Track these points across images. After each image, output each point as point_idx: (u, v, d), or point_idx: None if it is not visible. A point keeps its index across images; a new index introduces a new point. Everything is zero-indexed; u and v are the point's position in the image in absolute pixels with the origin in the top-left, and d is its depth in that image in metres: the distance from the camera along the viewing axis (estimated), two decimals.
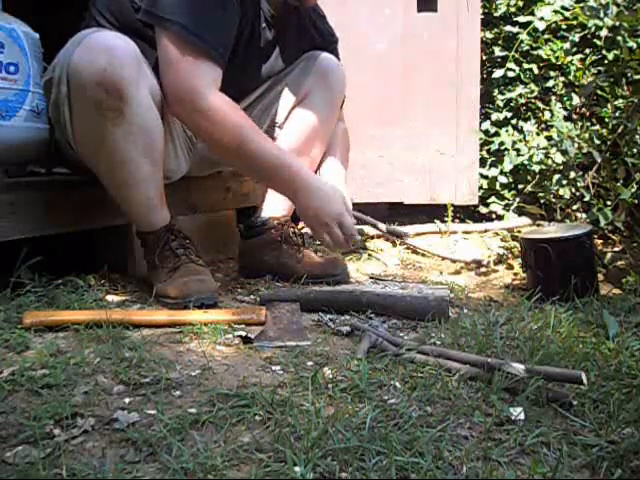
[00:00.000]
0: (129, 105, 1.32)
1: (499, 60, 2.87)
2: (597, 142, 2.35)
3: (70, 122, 1.38)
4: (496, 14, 2.90)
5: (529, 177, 2.64)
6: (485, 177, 2.80)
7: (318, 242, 2.33)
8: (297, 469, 0.73)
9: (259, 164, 1.43)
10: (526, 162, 2.63)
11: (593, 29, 2.57)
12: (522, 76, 2.80)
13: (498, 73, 2.73)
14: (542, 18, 2.59)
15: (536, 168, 2.59)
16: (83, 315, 1.22)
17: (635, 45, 2.41)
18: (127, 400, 0.92)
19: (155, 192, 1.45)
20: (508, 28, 2.79)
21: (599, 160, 2.27)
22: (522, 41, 2.73)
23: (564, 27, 2.74)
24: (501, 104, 2.86)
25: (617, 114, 2.46)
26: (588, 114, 2.71)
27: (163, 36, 1.35)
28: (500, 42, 2.90)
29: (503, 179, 2.76)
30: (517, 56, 2.75)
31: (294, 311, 1.35)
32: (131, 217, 1.49)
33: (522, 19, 2.69)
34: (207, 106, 1.36)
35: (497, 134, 2.81)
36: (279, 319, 1.30)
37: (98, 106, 1.30)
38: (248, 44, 1.55)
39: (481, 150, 2.76)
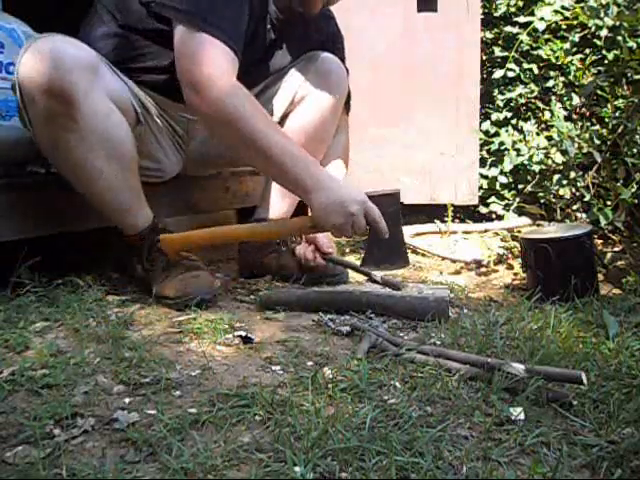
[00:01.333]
0: (80, 111, 1.29)
1: (499, 60, 2.87)
2: (597, 142, 2.35)
3: (31, 127, 1.36)
4: (496, 14, 2.90)
5: (529, 177, 2.64)
6: (485, 177, 2.80)
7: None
8: (297, 469, 0.73)
9: (274, 159, 1.35)
10: (526, 162, 2.63)
11: (593, 29, 2.57)
12: (522, 76, 2.80)
13: (498, 73, 2.73)
14: (542, 18, 2.59)
15: (536, 168, 2.59)
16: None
17: (635, 45, 2.41)
18: (127, 400, 0.92)
19: (129, 196, 1.44)
20: (508, 28, 2.79)
21: (599, 160, 2.27)
22: (522, 41, 2.73)
23: (564, 27, 2.74)
24: (501, 104, 2.86)
25: (617, 114, 2.46)
26: (588, 114, 2.71)
27: (179, 27, 1.33)
28: (500, 42, 2.90)
29: (503, 179, 2.76)
30: (517, 56, 2.75)
31: (394, 217, 1.37)
32: (110, 221, 1.49)
33: (522, 19, 2.69)
34: (226, 93, 1.31)
35: (497, 134, 2.81)
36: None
37: (48, 113, 1.28)
38: (250, 44, 1.55)
39: (481, 150, 2.76)
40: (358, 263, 1.56)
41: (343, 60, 1.81)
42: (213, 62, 1.32)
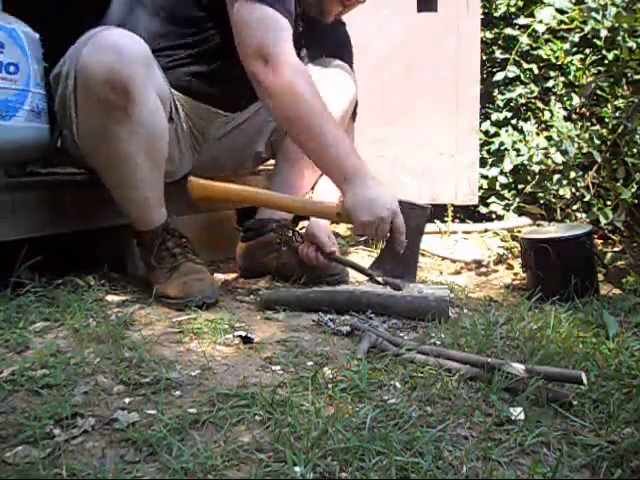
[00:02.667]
0: (135, 105, 1.31)
1: (499, 61, 2.88)
2: (597, 142, 2.35)
3: (76, 118, 1.37)
4: (496, 14, 2.90)
5: (529, 177, 2.64)
6: (485, 177, 2.80)
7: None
8: (297, 469, 0.73)
9: (324, 142, 1.39)
10: (526, 162, 2.63)
11: (592, 30, 2.57)
12: (522, 76, 2.80)
13: (499, 76, 2.73)
14: (541, 21, 2.59)
15: (536, 168, 2.59)
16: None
17: (635, 45, 2.41)
18: (127, 400, 0.92)
19: (154, 192, 1.45)
20: (508, 31, 2.79)
21: (599, 160, 2.27)
22: (522, 43, 2.73)
23: (564, 27, 2.74)
24: (501, 104, 2.86)
25: (617, 114, 2.46)
26: (588, 114, 2.71)
27: (237, 4, 1.36)
28: (500, 42, 2.90)
29: (503, 179, 2.76)
30: (517, 58, 2.75)
31: (416, 232, 1.42)
32: (129, 215, 1.49)
33: (522, 21, 2.68)
34: (297, 71, 1.37)
35: (497, 134, 2.81)
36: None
37: (104, 104, 1.30)
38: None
39: (481, 150, 2.76)
40: (363, 261, 1.56)
41: (351, 65, 1.81)
42: (285, 38, 1.37)
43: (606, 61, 2.60)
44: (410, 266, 1.47)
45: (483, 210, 2.81)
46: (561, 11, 2.58)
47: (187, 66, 1.54)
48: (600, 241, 2.37)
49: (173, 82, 1.52)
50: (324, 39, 1.74)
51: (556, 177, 2.48)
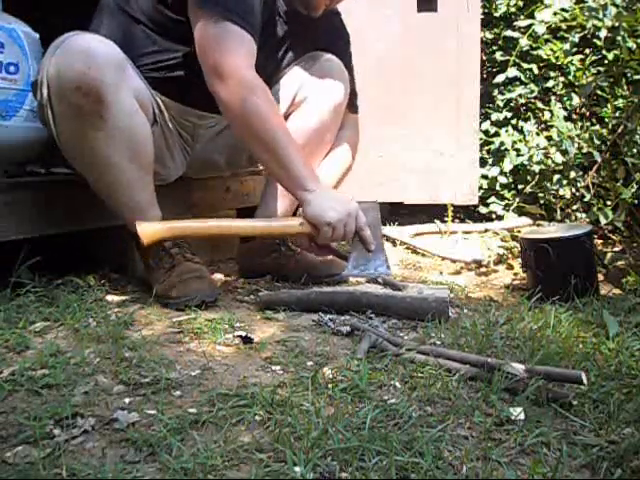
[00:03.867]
0: (109, 109, 1.30)
1: (499, 61, 2.88)
2: (597, 142, 2.35)
3: (54, 125, 1.36)
4: (496, 14, 2.90)
5: (529, 177, 2.64)
6: (485, 177, 2.80)
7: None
8: (297, 469, 0.73)
9: (278, 155, 1.41)
10: (526, 162, 2.63)
11: (592, 29, 2.57)
12: (522, 76, 2.80)
13: (499, 77, 2.73)
14: (542, 21, 2.59)
15: (536, 168, 2.59)
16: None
17: (635, 45, 2.41)
18: (127, 400, 0.92)
19: (143, 195, 1.44)
20: (508, 33, 2.79)
21: (599, 160, 2.27)
22: (522, 45, 2.73)
23: (564, 27, 2.74)
24: (501, 104, 2.86)
25: (617, 114, 2.46)
26: (588, 114, 2.71)
27: (201, 14, 1.36)
28: (500, 42, 2.90)
29: (503, 179, 2.77)
30: (517, 60, 2.75)
31: (375, 226, 1.43)
32: (123, 218, 1.49)
33: (522, 23, 2.68)
34: (248, 85, 1.37)
35: (497, 134, 2.81)
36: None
37: (77, 110, 1.29)
38: (264, 38, 1.56)
39: (481, 150, 2.76)
40: None
41: (350, 56, 1.81)
42: (238, 51, 1.37)
43: (606, 61, 2.61)
44: (382, 259, 1.49)
45: (483, 210, 2.81)
46: (562, 9, 2.59)
47: (171, 70, 1.52)
48: (600, 241, 2.37)
49: (156, 85, 1.51)
50: (316, 32, 1.73)
51: (556, 177, 2.48)
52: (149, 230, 1.37)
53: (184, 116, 1.62)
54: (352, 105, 1.82)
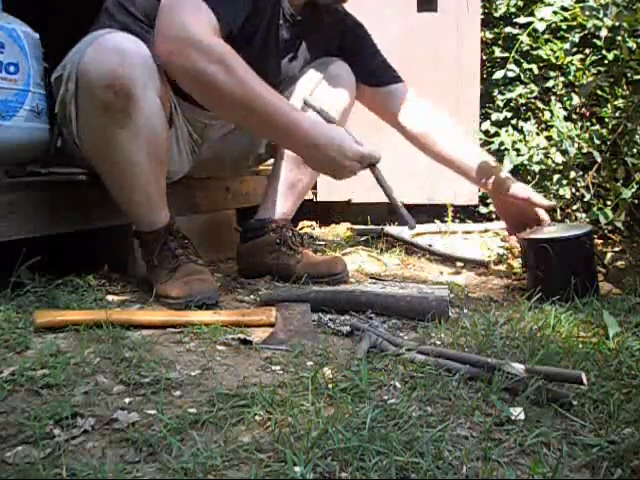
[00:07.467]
0: (137, 108, 1.32)
1: (499, 60, 2.88)
2: (597, 142, 2.35)
3: (76, 121, 1.38)
4: (496, 14, 2.90)
5: (529, 177, 2.64)
6: None
7: (319, 242, 2.34)
8: (297, 469, 0.73)
9: (257, 109, 1.33)
10: (526, 162, 2.63)
11: (593, 29, 2.57)
12: (522, 76, 2.80)
13: (498, 74, 2.73)
14: (542, 19, 2.59)
15: (536, 168, 2.59)
16: (90, 315, 1.21)
17: (635, 45, 2.41)
18: (127, 400, 0.92)
19: (157, 193, 1.45)
20: (508, 29, 2.79)
21: (599, 160, 2.27)
22: (522, 42, 2.73)
23: (564, 27, 2.74)
24: (501, 104, 2.86)
25: (617, 114, 2.46)
26: (588, 114, 2.71)
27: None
28: (500, 42, 2.91)
29: None
30: (517, 57, 2.75)
31: (304, 312, 1.34)
32: (131, 217, 1.49)
33: (522, 20, 2.69)
34: (211, 45, 1.28)
35: (497, 134, 2.81)
36: (289, 320, 1.29)
37: (105, 107, 1.30)
38: (264, 41, 1.55)
39: None
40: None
41: (376, 47, 1.87)
42: (199, 18, 1.29)
43: (606, 61, 2.61)
44: (309, 331, 1.30)
45: (483, 210, 2.81)
46: (563, 8, 2.59)
47: None
48: (600, 241, 2.37)
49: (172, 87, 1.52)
50: (329, 40, 1.74)
51: (556, 177, 2.48)
52: (45, 316, 1.20)
53: (196, 116, 1.63)
54: (396, 75, 1.89)
